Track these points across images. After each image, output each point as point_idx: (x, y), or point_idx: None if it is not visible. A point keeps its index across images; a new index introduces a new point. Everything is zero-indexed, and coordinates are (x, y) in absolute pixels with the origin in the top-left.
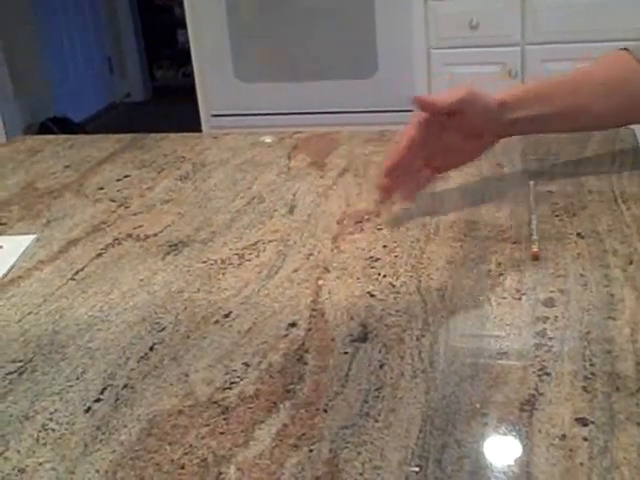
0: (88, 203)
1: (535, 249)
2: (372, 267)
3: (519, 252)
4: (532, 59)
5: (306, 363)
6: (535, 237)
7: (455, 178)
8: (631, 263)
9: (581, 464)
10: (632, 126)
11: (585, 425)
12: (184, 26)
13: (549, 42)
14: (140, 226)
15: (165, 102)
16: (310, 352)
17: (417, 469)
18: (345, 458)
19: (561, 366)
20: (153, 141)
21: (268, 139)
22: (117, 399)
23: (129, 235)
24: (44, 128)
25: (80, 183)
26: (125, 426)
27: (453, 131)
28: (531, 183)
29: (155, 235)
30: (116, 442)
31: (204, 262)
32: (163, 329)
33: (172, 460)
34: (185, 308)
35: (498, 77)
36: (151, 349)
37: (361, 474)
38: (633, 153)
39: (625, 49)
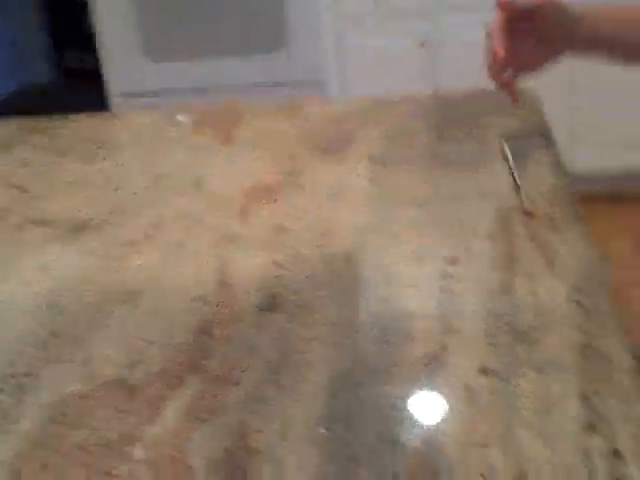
0: None
1: (530, 208)
2: (279, 237)
3: (423, 214)
4: (441, 30)
5: (213, 336)
6: (524, 198)
7: (360, 144)
8: (532, 218)
9: (484, 412)
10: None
11: (488, 374)
12: (89, 6)
13: (458, 12)
14: (42, 210)
15: (73, 84)
16: (217, 325)
17: (325, 431)
18: (253, 427)
19: (465, 321)
20: (55, 124)
21: (182, 118)
22: (19, 388)
23: (31, 220)
24: None
25: None
26: (27, 415)
27: (528, 35)
28: (503, 140)
29: (59, 219)
30: (18, 432)
31: (109, 243)
32: (67, 313)
33: (76, 444)
34: (89, 290)
35: (408, 48)
36: (53, 334)
37: (269, 441)
38: (534, 112)
39: None
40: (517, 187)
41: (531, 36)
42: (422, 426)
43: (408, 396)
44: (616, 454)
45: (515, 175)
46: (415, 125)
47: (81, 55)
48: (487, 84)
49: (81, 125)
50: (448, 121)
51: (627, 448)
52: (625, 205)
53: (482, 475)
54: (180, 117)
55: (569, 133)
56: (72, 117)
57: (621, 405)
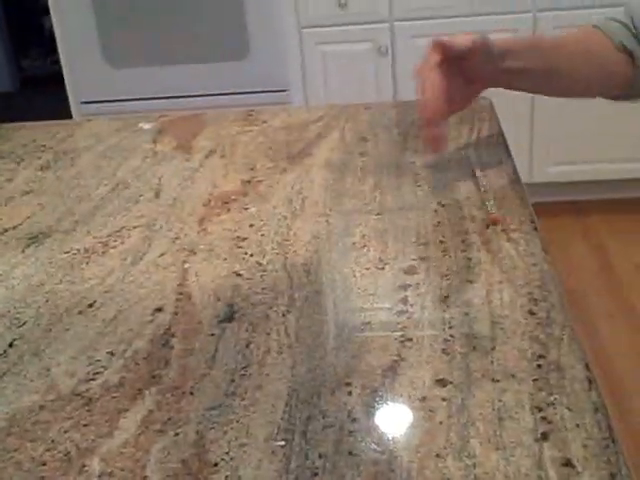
0: None
1: (494, 214)
2: (239, 247)
3: (382, 223)
4: (401, 35)
5: (172, 347)
6: (491, 202)
7: (319, 153)
8: (487, 227)
9: (440, 423)
10: (488, 94)
11: (444, 386)
12: (49, 12)
13: (417, 18)
14: None
15: (34, 92)
16: (176, 336)
17: (283, 443)
18: (211, 439)
19: (422, 331)
20: (11, 131)
21: (146, 125)
22: None
23: None
24: None
25: None
26: None
27: (456, 77)
28: (468, 149)
29: (14, 228)
30: None
31: (67, 252)
32: (23, 324)
33: (33, 457)
34: (47, 301)
35: (369, 54)
36: (10, 345)
37: (227, 453)
38: (490, 123)
39: (596, 26)
40: (482, 195)
41: (459, 76)
42: (380, 437)
43: (366, 407)
44: (569, 463)
45: (480, 183)
46: (376, 134)
47: (41, 62)
48: None
49: (38, 132)
50: (409, 130)
51: (579, 457)
52: (584, 214)
53: None
54: (141, 124)
55: (530, 144)
56: (29, 124)
57: (574, 415)
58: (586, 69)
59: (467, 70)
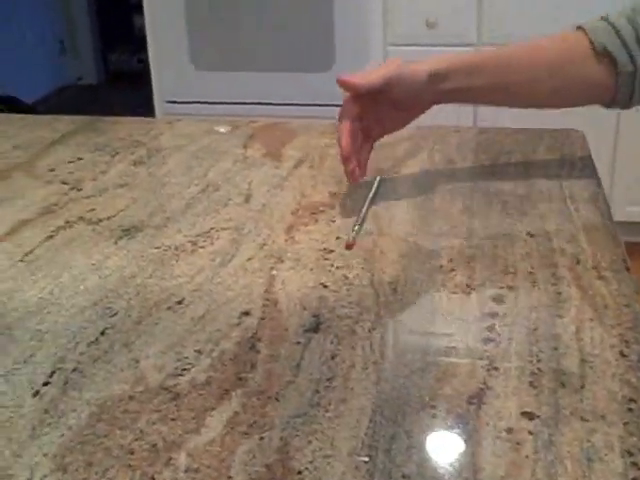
0: (39, 184)
1: (351, 240)
2: (325, 259)
3: (470, 248)
4: None
5: (258, 352)
6: (357, 228)
7: (408, 173)
8: (578, 263)
9: (526, 457)
10: (582, 129)
11: (531, 419)
12: (140, 11)
13: (505, 42)
14: (92, 209)
15: (117, 87)
16: (262, 341)
17: (366, 459)
18: (296, 446)
19: (509, 361)
20: (107, 124)
21: (222, 129)
22: (66, 383)
23: (81, 218)
24: None
25: (31, 164)
26: (74, 410)
27: (383, 104)
28: (378, 178)
29: (108, 219)
30: (64, 426)
31: (157, 248)
32: (115, 314)
33: (121, 445)
34: (137, 293)
35: None
36: (102, 334)
37: (311, 462)
38: (582, 155)
39: (581, 27)
40: (360, 222)
41: (388, 104)
42: (464, 464)
43: (450, 433)
44: None
45: (365, 210)
46: (464, 158)
47: (128, 58)
48: (532, 123)
49: (132, 127)
50: (498, 157)
51: None
52: None
53: None
54: (224, 129)
55: (610, 181)
56: (124, 119)
57: None
58: (557, 80)
59: (392, 99)
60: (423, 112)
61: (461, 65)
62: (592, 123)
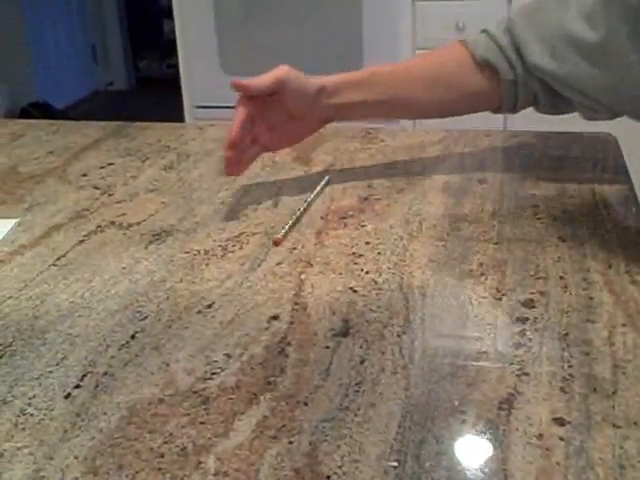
0: (71, 189)
1: (279, 236)
2: (355, 263)
3: (500, 253)
4: None
5: (287, 356)
6: (287, 226)
7: (438, 176)
8: (610, 267)
9: (557, 463)
10: (615, 133)
11: (562, 425)
12: (170, 16)
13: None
14: (123, 214)
15: (148, 92)
16: (292, 345)
17: (396, 464)
18: (324, 451)
19: (540, 367)
20: (138, 129)
21: None
22: (97, 386)
23: (112, 223)
24: (25, 113)
25: (63, 169)
26: (105, 413)
27: (275, 111)
28: (326, 178)
29: (138, 224)
30: (95, 429)
31: (187, 252)
32: (145, 318)
33: (151, 448)
34: (167, 297)
35: None
36: (132, 337)
37: (340, 467)
38: (614, 159)
39: (463, 40)
40: (295, 220)
41: (279, 111)
42: (494, 470)
43: (480, 437)
44: None
45: (304, 210)
46: (496, 162)
47: (157, 64)
48: (564, 127)
49: (162, 133)
50: (529, 161)
51: None
52: None
53: None
54: None
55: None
56: (155, 125)
57: None
58: (437, 92)
59: (282, 105)
60: (316, 128)
61: (349, 81)
62: (625, 127)
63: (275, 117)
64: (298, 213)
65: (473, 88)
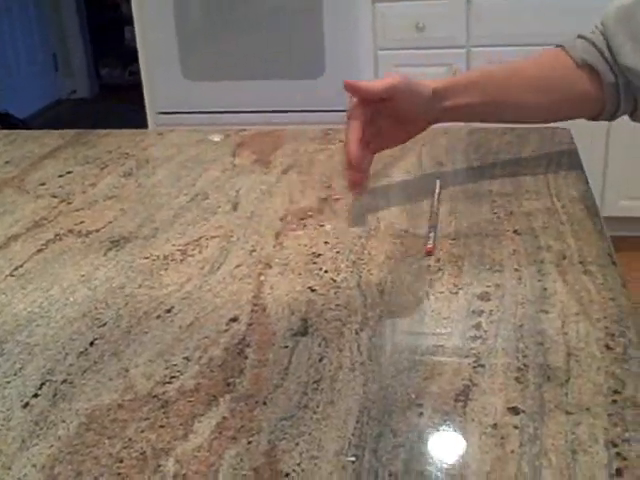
0: (29, 199)
1: (430, 245)
2: (314, 263)
3: (457, 248)
4: (477, 61)
5: (246, 357)
6: (432, 234)
7: (396, 175)
8: (564, 258)
9: (512, 451)
10: (568, 126)
11: (517, 414)
12: (131, 23)
13: (493, 44)
14: (82, 222)
15: (111, 100)
16: (251, 346)
17: (353, 459)
18: (283, 449)
19: (495, 358)
20: (97, 137)
21: (216, 138)
22: (55, 394)
23: (70, 231)
24: None
25: (21, 178)
26: (63, 421)
27: (385, 116)
28: (438, 181)
29: (97, 231)
30: (54, 437)
31: (146, 258)
32: (104, 324)
33: (110, 454)
34: (126, 303)
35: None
36: (91, 344)
37: (298, 464)
38: (569, 153)
39: (561, 46)
40: (432, 226)
41: (390, 116)
42: (450, 461)
43: (437, 429)
44: None
45: (435, 214)
46: (453, 159)
47: (120, 71)
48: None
49: (122, 140)
50: (486, 158)
51: None
52: None
53: None
54: (218, 137)
55: (603, 176)
56: (115, 132)
57: None
58: (545, 96)
59: (396, 110)
60: (421, 131)
61: (459, 83)
62: (579, 121)
63: (384, 122)
64: (432, 219)
65: (578, 91)
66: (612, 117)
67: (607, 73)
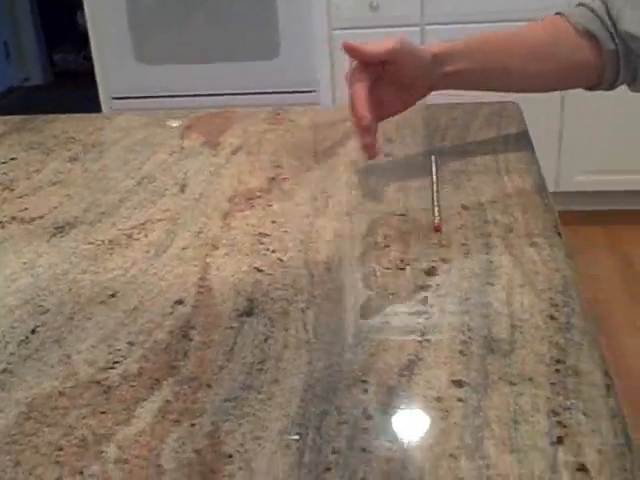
0: None
1: (437, 222)
2: (261, 243)
3: (405, 224)
4: (432, 39)
5: (191, 339)
6: (437, 212)
7: (345, 152)
8: (511, 231)
9: (455, 423)
10: (520, 100)
11: (460, 387)
12: (83, 7)
13: (448, 22)
14: (25, 209)
15: (66, 86)
16: (196, 328)
17: (297, 437)
18: (226, 430)
19: (440, 332)
20: (43, 123)
21: (171, 121)
22: None
23: (14, 218)
24: None
25: None
26: (2, 411)
27: (385, 81)
28: (433, 157)
29: (41, 217)
30: None
31: (91, 243)
32: (46, 311)
33: (50, 442)
34: (70, 289)
35: None
36: (33, 332)
37: (242, 445)
38: (517, 127)
39: (560, 13)
40: (434, 203)
41: (391, 81)
42: (394, 435)
43: (381, 405)
44: (583, 468)
45: (435, 191)
46: (403, 135)
47: (74, 57)
48: (474, 97)
49: (69, 125)
50: (435, 133)
51: (594, 463)
52: (611, 224)
53: None
54: (169, 121)
55: (558, 152)
56: (60, 116)
57: (590, 420)
58: (546, 63)
59: (397, 75)
60: (421, 97)
61: (460, 48)
62: (538, 94)
63: (384, 89)
64: (436, 198)
65: (578, 59)
66: (611, 86)
67: (607, 40)
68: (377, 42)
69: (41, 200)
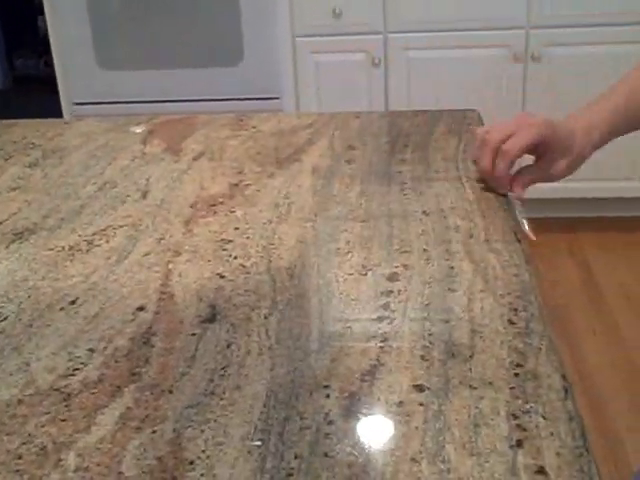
0: None
1: (530, 233)
2: (223, 249)
3: (367, 230)
4: (394, 47)
5: (153, 346)
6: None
7: (308, 159)
8: (471, 237)
9: (416, 428)
10: (479, 107)
11: (421, 391)
12: (44, 12)
13: (410, 31)
14: None
15: (26, 92)
16: (157, 335)
17: (259, 443)
18: (188, 437)
19: (402, 337)
20: (1, 127)
21: (137, 129)
22: None
23: None
24: None
25: None
26: None
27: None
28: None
29: (0, 223)
30: None
31: (51, 249)
32: (5, 319)
33: (9, 450)
34: (29, 296)
35: (362, 65)
36: None
37: (203, 451)
38: None
39: None
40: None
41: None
42: (355, 440)
43: (343, 410)
44: (542, 471)
45: (522, 221)
46: (365, 142)
47: (34, 62)
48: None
49: (28, 130)
50: (397, 140)
51: (553, 465)
52: (572, 230)
53: None
54: (131, 127)
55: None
56: (22, 122)
57: (549, 423)
58: None
59: (552, 154)
60: (585, 157)
61: (617, 116)
62: (499, 101)
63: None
64: (518, 204)
65: None
66: None
67: None
68: (517, 134)
69: (0, 206)
